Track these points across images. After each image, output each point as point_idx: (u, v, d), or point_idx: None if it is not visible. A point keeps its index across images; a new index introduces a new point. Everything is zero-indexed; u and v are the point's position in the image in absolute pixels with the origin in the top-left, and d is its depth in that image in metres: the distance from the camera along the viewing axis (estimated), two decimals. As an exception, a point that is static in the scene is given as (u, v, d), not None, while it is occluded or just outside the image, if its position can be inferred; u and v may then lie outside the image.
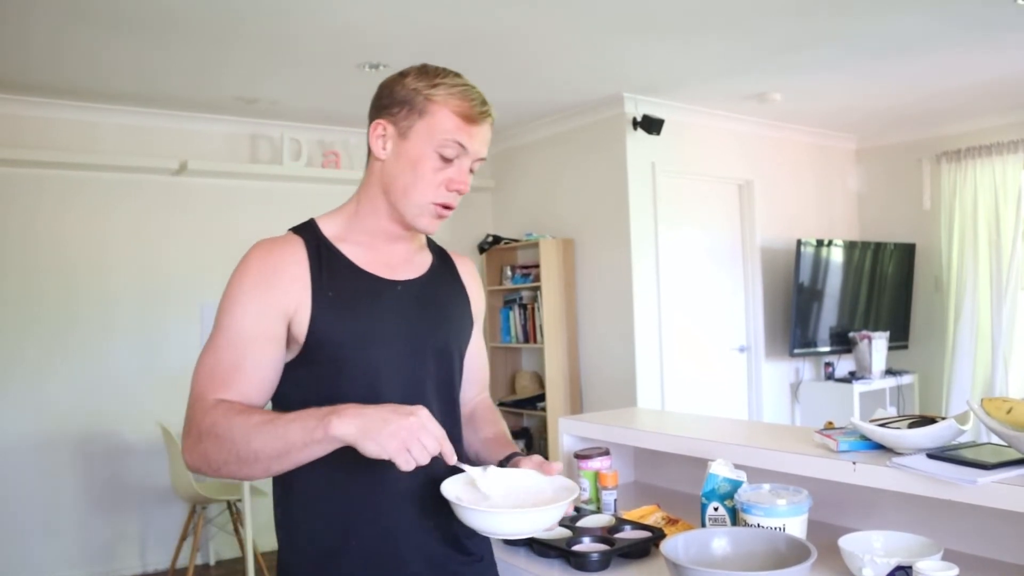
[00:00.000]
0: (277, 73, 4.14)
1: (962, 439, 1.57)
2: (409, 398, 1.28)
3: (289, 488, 1.30)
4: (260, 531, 4.72)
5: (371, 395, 1.25)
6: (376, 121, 1.32)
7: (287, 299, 1.25)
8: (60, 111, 4.47)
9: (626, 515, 1.87)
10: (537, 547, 1.70)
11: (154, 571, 4.66)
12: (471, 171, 1.33)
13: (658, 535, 1.70)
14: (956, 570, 1.24)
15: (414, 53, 3.87)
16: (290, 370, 1.28)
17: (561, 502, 1.19)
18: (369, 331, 1.28)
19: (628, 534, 1.74)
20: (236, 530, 4.54)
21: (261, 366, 1.24)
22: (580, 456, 2.07)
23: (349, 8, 3.30)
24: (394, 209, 1.32)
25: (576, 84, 4.60)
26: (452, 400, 1.40)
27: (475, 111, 1.29)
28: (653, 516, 1.86)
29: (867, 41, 3.99)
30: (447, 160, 1.28)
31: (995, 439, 1.55)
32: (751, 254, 5.62)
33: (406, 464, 1.09)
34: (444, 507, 1.27)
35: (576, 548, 1.66)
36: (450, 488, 1.23)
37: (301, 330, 1.25)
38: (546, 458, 1.56)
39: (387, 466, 1.19)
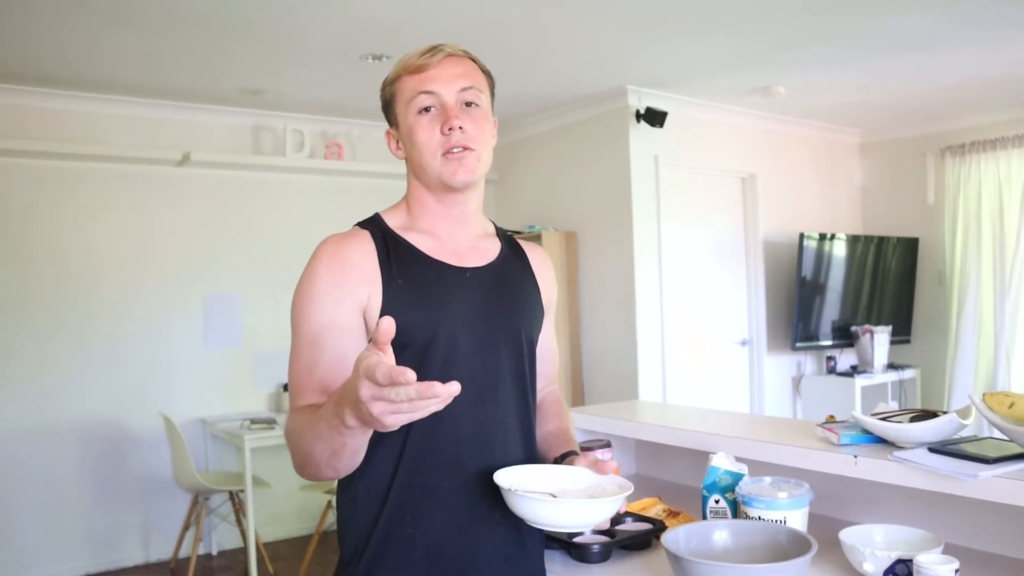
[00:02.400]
0: (280, 65, 4.14)
1: (963, 433, 1.57)
2: (484, 386, 1.30)
3: (350, 482, 1.28)
4: (262, 521, 4.74)
5: (446, 380, 1.21)
6: (386, 132, 1.38)
7: (360, 290, 1.24)
8: (63, 102, 4.46)
9: (627, 507, 1.87)
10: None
11: (157, 561, 4.68)
12: (471, 104, 1.30)
13: (659, 527, 1.70)
14: (956, 564, 1.24)
15: (417, 45, 3.86)
16: None
17: (612, 497, 1.18)
18: (440, 318, 1.26)
19: (629, 526, 1.74)
20: (238, 520, 4.55)
21: (339, 359, 1.21)
22: (582, 448, 2.07)
23: (353, 0, 3.30)
24: (428, 185, 1.32)
25: (580, 77, 4.59)
26: (525, 389, 1.38)
27: (421, 58, 1.28)
28: (654, 508, 1.86)
29: (872, 36, 3.97)
30: (430, 115, 1.28)
31: (997, 433, 1.55)
32: (754, 248, 5.62)
33: (396, 423, 0.94)
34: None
35: (577, 540, 1.66)
36: (504, 477, 1.22)
37: (374, 317, 1.24)
38: None
39: (454, 453, 1.22)
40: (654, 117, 4.76)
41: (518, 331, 1.37)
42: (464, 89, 1.29)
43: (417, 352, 1.23)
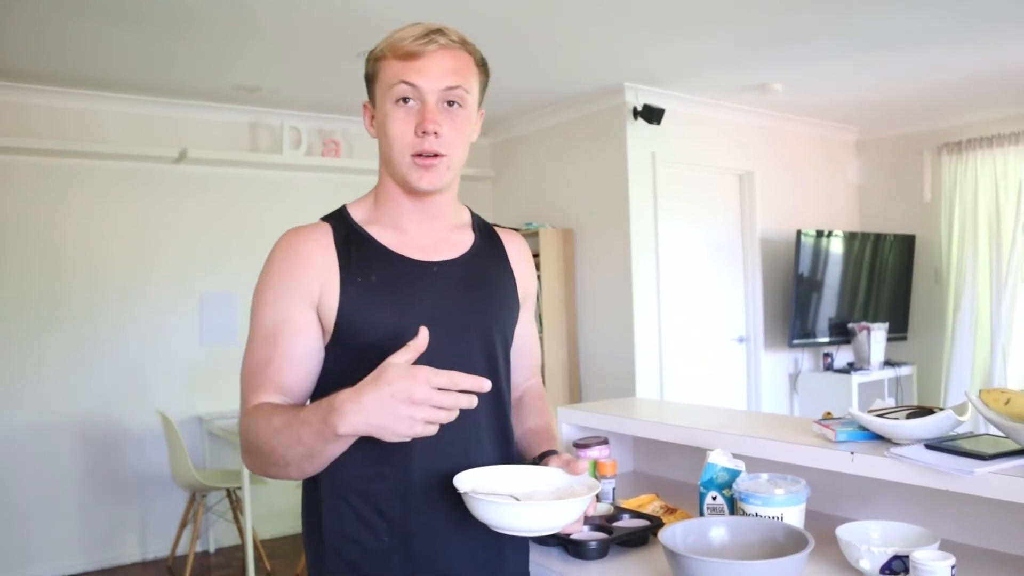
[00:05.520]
0: (278, 62, 4.13)
1: (960, 430, 1.57)
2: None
3: (316, 486, 1.26)
4: (260, 519, 4.74)
5: None
6: (363, 104, 1.32)
7: (312, 285, 1.20)
8: (61, 99, 4.46)
9: (625, 504, 1.87)
10: (536, 536, 1.70)
11: (154, 559, 4.67)
12: (454, 103, 1.22)
13: (656, 524, 1.70)
14: (953, 560, 1.25)
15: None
16: (327, 360, 1.24)
17: (576, 498, 1.13)
18: (403, 316, 1.21)
19: (626, 523, 1.74)
20: (236, 518, 4.55)
21: (293, 356, 1.19)
22: (579, 445, 2.07)
23: (349, -4, 3.29)
24: (394, 179, 1.27)
25: (577, 74, 4.59)
26: (500, 387, 1.31)
27: (413, 44, 1.19)
28: (651, 505, 1.86)
29: (869, 33, 3.98)
30: (408, 108, 1.21)
31: (993, 430, 1.55)
32: (751, 245, 5.62)
33: (431, 431, 1.02)
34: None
35: (574, 536, 1.66)
36: (466, 480, 1.18)
37: (329, 317, 1.21)
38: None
39: (421, 458, 1.18)
40: (651, 114, 4.76)
41: (490, 327, 1.31)
42: (450, 88, 1.21)
43: (378, 353, 1.11)
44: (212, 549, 4.84)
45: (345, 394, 1.03)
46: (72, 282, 4.50)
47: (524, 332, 1.44)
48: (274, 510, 4.93)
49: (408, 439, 1.02)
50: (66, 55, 3.89)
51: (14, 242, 4.37)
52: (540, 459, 1.32)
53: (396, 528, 1.22)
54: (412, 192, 1.26)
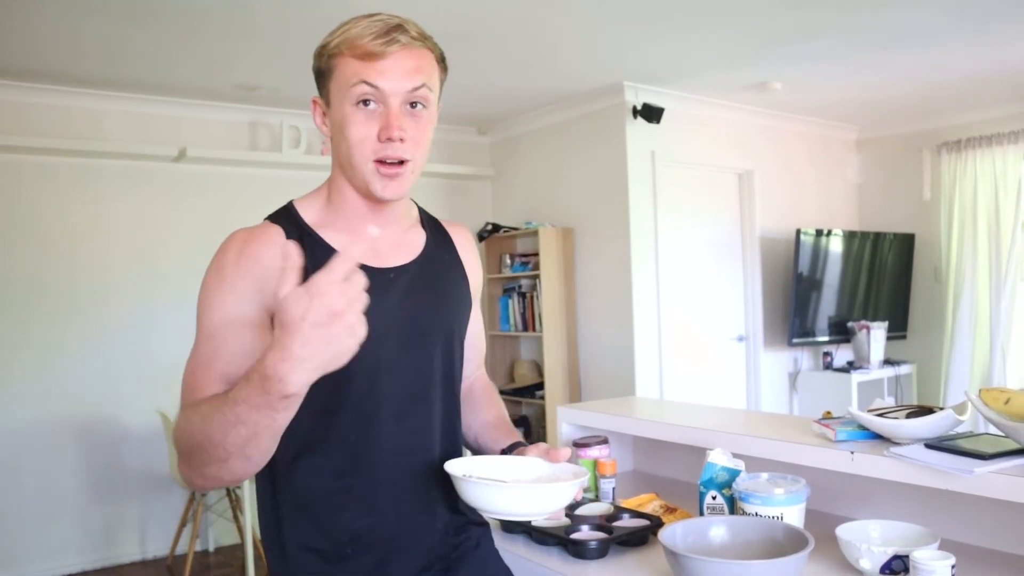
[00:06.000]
0: (277, 60, 4.13)
1: (960, 429, 1.57)
2: (412, 396, 1.24)
3: (275, 494, 1.23)
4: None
5: (372, 395, 1.19)
6: (312, 99, 1.24)
7: (266, 288, 1.10)
8: (63, 98, 4.45)
9: (624, 503, 1.88)
10: (536, 535, 1.71)
11: (153, 558, 4.67)
12: (417, 104, 1.16)
13: (656, 523, 1.70)
14: (952, 559, 1.25)
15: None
16: None
17: (568, 482, 1.14)
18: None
19: (626, 522, 1.75)
20: (235, 517, 4.55)
21: (240, 353, 1.10)
22: (579, 444, 2.07)
23: (349, -5, 3.29)
24: (352, 182, 1.21)
25: (576, 73, 4.59)
26: (454, 392, 1.32)
27: (377, 43, 1.12)
28: (651, 504, 1.86)
29: (868, 31, 3.98)
30: (370, 110, 1.14)
31: (993, 429, 1.55)
32: (750, 244, 5.62)
33: (356, 342, 0.92)
34: (441, 500, 1.24)
35: (574, 536, 1.66)
36: (456, 467, 1.19)
37: None
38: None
39: (387, 464, 1.15)
40: (651, 113, 4.76)
41: (450, 330, 1.30)
42: (414, 89, 1.15)
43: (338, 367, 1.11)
44: (211, 548, 4.84)
45: (271, 358, 0.90)
46: (73, 281, 4.50)
47: (473, 325, 1.41)
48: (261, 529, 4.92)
49: (355, 350, 0.92)
50: (68, 54, 3.88)
51: (15, 241, 4.36)
52: (509, 451, 1.31)
53: (360, 538, 1.21)
54: (371, 198, 1.21)
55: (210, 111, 4.89)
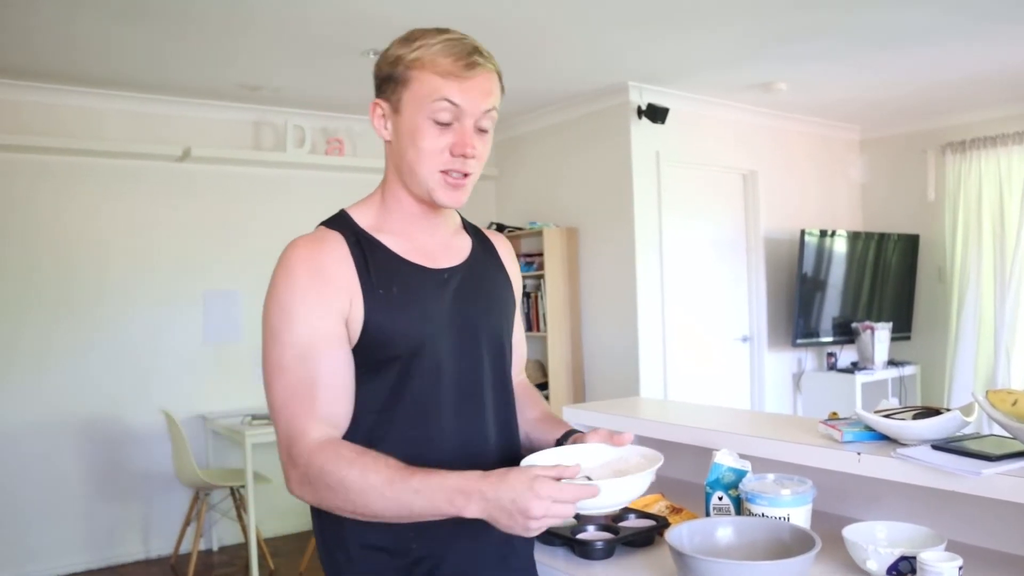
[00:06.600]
0: (281, 60, 4.13)
1: (966, 431, 1.57)
2: (467, 391, 1.27)
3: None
4: (263, 517, 4.75)
5: (433, 391, 1.23)
6: (372, 102, 1.27)
7: (342, 299, 1.18)
8: (65, 97, 4.46)
9: (630, 504, 1.87)
10: (542, 535, 1.70)
11: (157, 557, 4.68)
12: (483, 130, 1.24)
13: (662, 524, 1.70)
14: (959, 561, 1.24)
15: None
16: None
17: (647, 470, 1.15)
18: (424, 326, 1.23)
19: (632, 523, 1.74)
20: (239, 516, 4.56)
21: (337, 375, 1.17)
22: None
23: (354, -5, 3.29)
24: (411, 189, 1.26)
25: (581, 73, 4.59)
26: (507, 388, 1.36)
27: (460, 64, 1.18)
28: (657, 505, 1.86)
29: (873, 31, 3.97)
30: (445, 124, 1.20)
31: (999, 431, 1.55)
32: (755, 244, 5.62)
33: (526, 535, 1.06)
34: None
35: (580, 536, 1.66)
36: (531, 463, 1.18)
37: (356, 329, 1.19)
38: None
39: (447, 463, 1.15)
40: (655, 113, 4.76)
41: (498, 331, 1.34)
42: (487, 111, 1.22)
43: (401, 363, 1.20)
44: (215, 547, 4.85)
45: (475, 482, 1.05)
46: (76, 281, 4.50)
47: (516, 331, 1.46)
48: (277, 508, 4.93)
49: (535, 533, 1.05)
50: (69, 53, 3.89)
51: (17, 241, 4.37)
52: (564, 441, 1.33)
53: (424, 533, 1.23)
54: (429, 204, 1.27)
55: (214, 111, 4.90)
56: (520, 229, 5.51)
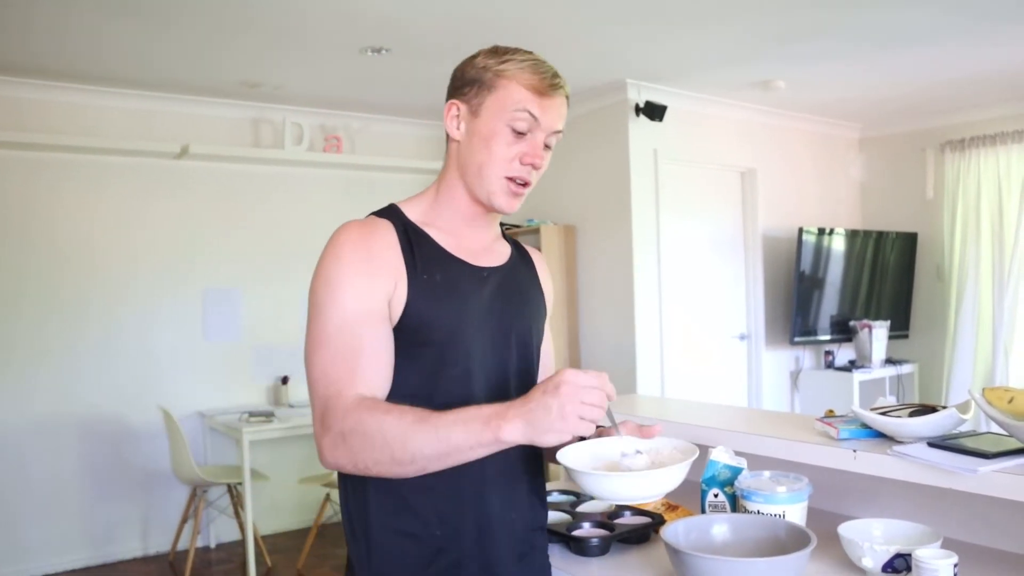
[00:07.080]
0: (280, 57, 4.12)
1: (963, 428, 1.57)
2: (496, 387, 1.30)
3: (363, 482, 1.26)
4: (260, 514, 4.75)
5: (465, 381, 1.26)
6: (450, 102, 1.33)
7: (388, 280, 1.23)
8: (62, 94, 4.45)
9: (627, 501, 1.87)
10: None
11: (155, 554, 4.68)
12: (548, 147, 1.32)
13: (658, 521, 1.70)
14: (955, 558, 1.24)
15: (417, 38, 3.85)
16: None
17: (684, 462, 1.16)
18: (461, 316, 1.27)
19: (628, 520, 1.75)
20: (237, 513, 4.56)
21: (380, 348, 1.21)
22: (582, 440, 2.07)
23: (352, -9, 3.29)
24: (471, 190, 1.32)
25: (579, 70, 4.58)
26: (531, 385, 1.36)
27: (545, 83, 1.28)
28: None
29: (872, 30, 3.97)
30: (520, 134, 1.27)
31: (996, 428, 1.55)
32: (753, 242, 5.62)
33: (588, 430, 1.06)
34: (524, 499, 1.33)
35: (576, 533, 1.66)
36: (568, 458, 1.20)
37: (397, 311, 1.23)
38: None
39: (468, 465, 1.17)
40: (653, 111, 4.76)
41: (528, 332, 1.39)
42: (556, 132, 1.31)
43: (437, 349, 1.25)
44: (213, 544, 4.85)
45: (507, 404, 1.09)
46: (75, 279, 4.50)
47: (545, 342, 1.51)
48: (275, 505, 4.94)
49: (568, 439, 1.07)
50: (66, 49, 3.88)
51: (14, 238, 4.36)
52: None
53: (449, 522, 1.26)
54: (484, 206, 1.33)
55: (212, 108, 4.89)
56: (518, 226, 5.51)
